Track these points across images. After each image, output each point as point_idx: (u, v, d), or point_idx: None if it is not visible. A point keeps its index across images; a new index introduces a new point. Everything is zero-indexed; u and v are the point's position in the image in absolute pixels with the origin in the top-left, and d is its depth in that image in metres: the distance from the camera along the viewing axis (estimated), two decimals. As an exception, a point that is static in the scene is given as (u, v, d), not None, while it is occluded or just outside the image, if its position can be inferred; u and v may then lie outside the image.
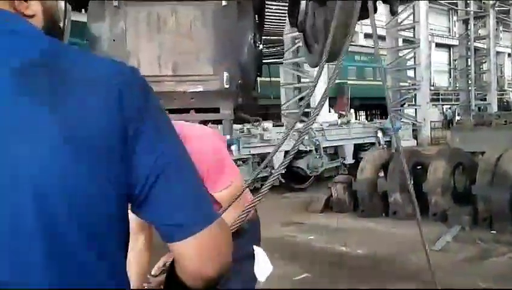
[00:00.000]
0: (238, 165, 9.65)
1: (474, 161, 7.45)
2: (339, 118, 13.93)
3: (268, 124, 10.74)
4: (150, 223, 0.87)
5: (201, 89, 2.39)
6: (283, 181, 10.64)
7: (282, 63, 3.87)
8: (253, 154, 9.91)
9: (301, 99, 17.89)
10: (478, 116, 13.10)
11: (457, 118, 25.04)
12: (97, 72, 0.78)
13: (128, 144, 0.77)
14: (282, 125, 12.39)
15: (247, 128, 9.87)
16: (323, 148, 11.28)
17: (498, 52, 31.43)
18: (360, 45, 29.95)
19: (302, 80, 17.96)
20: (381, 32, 28.26)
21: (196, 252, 0.82)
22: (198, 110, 2.46)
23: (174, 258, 0.86)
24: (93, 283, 0.74)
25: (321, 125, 11.88)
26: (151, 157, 0.80)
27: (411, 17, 21.55)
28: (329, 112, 17.05)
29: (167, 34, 2.37)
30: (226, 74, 2.35)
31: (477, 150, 8.27)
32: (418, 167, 7.73)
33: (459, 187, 7.25)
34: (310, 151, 11.03)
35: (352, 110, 22.62)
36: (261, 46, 2.79)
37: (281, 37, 2.96)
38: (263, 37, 2.84)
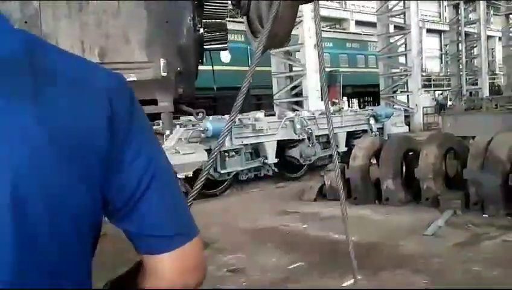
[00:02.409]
0: (231, 156, 9.67)
1: (466, 145, 7.48)
2: (331, 106, 13.92)
3: (260, 114, 10.72)
4: (128, 234, 0.81)
5: (134, 79, 2.07)
6: (276, 171, 10.66)
7: (225, 49, 3.66)
8: (246, 145, 9.90)
9: (293, 88, 17.86)
10: (469, 101, 13.16)
11: (449, 103, 25.14)
12: (83, 74, 0.76)
13: (117, 148, 0.75)
14: (274, 115, 12.37)
15: (239, 119, 9.85)
16: (316, 136, 11.29)
17: (489, 37, 31.53)
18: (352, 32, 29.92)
19: (294, 68, 17.92)
20: (372, 18, 28.22)
21: (182, 264, 0.80)
22: None
23: (151, 269, 0.81)
24: (57, 284, 0.70)
25: (313, 113, 11.87)
26: (143, 161, 0.77)
27: (401, 3, 21.49)
28: (322, 100, 17.02)
29: (91, 14, 2.02)
30: (162, 61, 2.07)
31: (468, 135, 8.31)
32: (410, 153, 7.76)
33: (450, 172, 7.29)
34: (303, 140, 11.04)
35: (344, 98, 22.62)
36: (201, 30, 2.47)
37: (223, 20, 2.71)
38: (203, 21, 2.50)
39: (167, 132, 2.21)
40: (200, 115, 2.49)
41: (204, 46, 2.53)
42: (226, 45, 2.80)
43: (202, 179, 1.55)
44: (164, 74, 2.07)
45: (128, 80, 2.13)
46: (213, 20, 2.56)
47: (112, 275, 0.94)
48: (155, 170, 0.78)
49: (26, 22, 1.94)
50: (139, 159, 0.77)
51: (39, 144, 0.67)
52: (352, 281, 4.36)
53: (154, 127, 8.06)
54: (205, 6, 2.51)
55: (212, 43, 2.67)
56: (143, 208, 0.77)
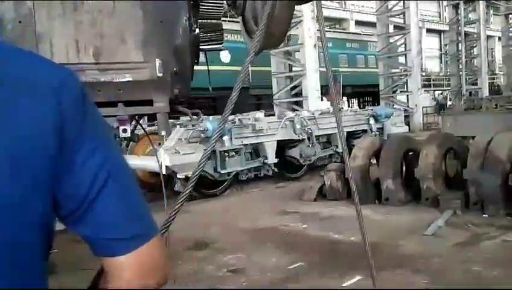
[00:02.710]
0: (230, 156, 9.67)
1: (465, 145, 7.48)
2: (331, 106, 13.92)
3: (260, 114, 10.72)
4: (85, 238, 0.77)
5: (130, 79, 2.06)
6: (276, 171, 10.66)
7: (221, 50, 3.65)
8: (246, 145, 9.90)
9: (293, 88, 17.86)
10: (469, 101, 13.15)
11: (449, 103, 25.15)
12: (33, 73, 0.73)
13: (68, 149, 0.72)
14: (274, 115, 12.37)
15: (239, 119, 9.86)
16: (316, 136, 11.29)
17: (488, 36, 31.53)
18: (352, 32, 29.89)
19: (294, 68, 17.92)
20: (371, 18, 28.21)
21: (140, 265, 0.79)
22: (128, 104, 2.13)
23: (110, 272, 0.79)
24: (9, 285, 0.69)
25: (313, 113, 11.87)
26: (97, 160, 0.75)
27: (401, 3, 21.50)
28: (322, 100, 17.05)
29: (86, 14, 2.00)
30: (158, 61, 2.05)
31: (468, 135, 8.30)
32: (410, 153, 7.76)
33: (450, 172, 7.29)
34: (303, 140, 11.04)
35: (344, 98, 22.64)
36: (197, 30, 2.46)
37: (218, 21, 2.70)
38: (199, 21, 2.49)
39: (163, 133, 2.19)
40: (196, 116, 2.49)
41: (200, 47, 2.53)
42: (221, 45, 2.79)
43: (193, 181, 1.55)
44: (160, 74, 2.06)
45: (123, 80, 2.11)
46: (209, 21, 2.55)
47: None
48: (110, 169, 0.76)
49: (20, 22, 1.92)
50: (93, 159, 0.74)
51: None
52: (353, 280, 4.36)
53: (152, 128, 8.08)
54: (201, 7, 2.50)
55: (208, 43, 2.66)
56: (98, 209, 0.75)
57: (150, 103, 2.17)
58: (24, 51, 0.77)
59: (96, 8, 1.99)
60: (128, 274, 0.78)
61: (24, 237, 0.70)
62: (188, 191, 1.51)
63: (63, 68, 0.78)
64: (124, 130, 2.23)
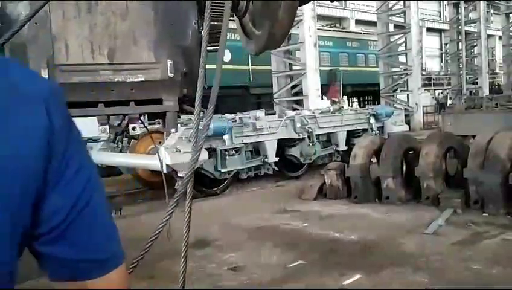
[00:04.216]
0: (231, 155, 9.69)
1: (466, 144, 7.48)
2: (331, 104, 13.93)
3: (260, 113, 10.73)
4: (50, 259, 0.73)
5: (142, 79, 2.13)
6: (277, 170, 10.67)
7: (217, 51, 3.76)
8: (246, 144, 9.91)
9: (293, 87, 17.87)
10: (469, 100, 13.17)
11: (449, 102, 25.15)
12: (19, 83, 0.68)
13: (56, 164, 0.69)
14: (275, 114, 12.39)
15: (239, 118, 9.87)
16: (316, 135, 11.29)
17: (489, 36, 31.54)
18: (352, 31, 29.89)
19: (294, 67, 17.93)
20: (372, 17, 28.21)
21: (122, 281, 0.77)
22: (139, 102, 2.21)
23: None
24: None
25: (313, 112, 11.88)
26: (82, 179, 0.72)
27: (401, 2, 21.50)
28: (322, 99, 17.05)
29: (100, 15, 2.05)
30: (170, 62, 2.11)
31: (469, 134, 8.32)
32: (410, 152, 7.77)
33: (450, 171, 7.30)
34: (303, 139, 11.05)
35: (344, 97, 22.64)
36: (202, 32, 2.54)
37: (219, 22, 2.78)
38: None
39: (173, 130, 2.27)
40: (201, 114, 2.51)
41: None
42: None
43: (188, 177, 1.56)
44: (171, 75, 2.12)
45: (135, 80, 2.16)
46: (213, 22, 2.58)
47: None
48: (91, 190, 0.73)
49: (36, 23, 1.95)
50: (78, 178, 0.72)
51: None
52: (353, 279, 4.37)
53: (155, 126, 8.01)
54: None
55: (212, 44, 2.69)
56: (78, 229, 0.72)
57: (159, 102, 2.23)
58: (6, 59, 0.72)
59: (110, 9, 2.06)
60: None
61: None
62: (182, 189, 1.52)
63: (47, 78, 0.77)
64: (134, 128, 2.30)
